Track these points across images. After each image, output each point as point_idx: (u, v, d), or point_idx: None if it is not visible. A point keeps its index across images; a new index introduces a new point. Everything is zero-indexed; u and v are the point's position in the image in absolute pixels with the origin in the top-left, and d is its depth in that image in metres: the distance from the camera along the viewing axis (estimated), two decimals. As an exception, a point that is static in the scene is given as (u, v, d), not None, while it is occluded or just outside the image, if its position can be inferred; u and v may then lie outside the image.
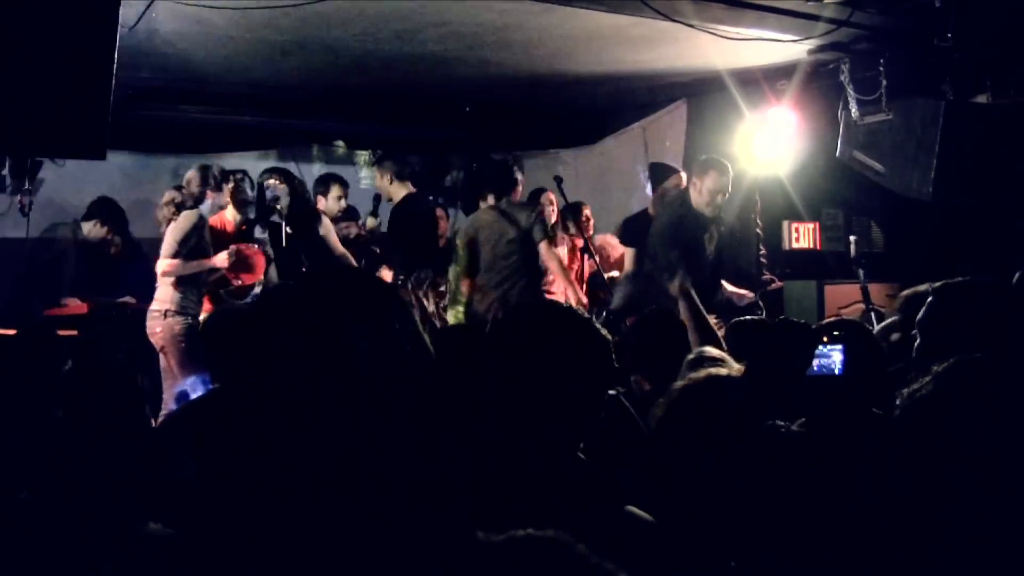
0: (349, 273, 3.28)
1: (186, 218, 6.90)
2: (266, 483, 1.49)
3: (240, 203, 7.33)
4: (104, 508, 2.39)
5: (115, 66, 5.23)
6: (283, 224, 7.21)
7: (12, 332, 5.46)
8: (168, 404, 6.47)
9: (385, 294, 1.51)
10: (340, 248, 7.64)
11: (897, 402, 1.38)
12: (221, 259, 6.91)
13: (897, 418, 1.36)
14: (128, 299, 7.73)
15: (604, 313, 7.39)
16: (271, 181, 7.45)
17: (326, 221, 7.62)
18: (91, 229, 7.91)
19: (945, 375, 1.36)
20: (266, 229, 7.41)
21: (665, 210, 7.23)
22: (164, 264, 6.77)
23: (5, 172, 7.80)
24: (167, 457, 2.88)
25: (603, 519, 1.87)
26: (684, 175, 7.68)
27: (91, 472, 2.63)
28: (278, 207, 7.29)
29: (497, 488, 1.87)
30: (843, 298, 7.79)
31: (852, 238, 7.68)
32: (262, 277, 7.29)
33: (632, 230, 7.87)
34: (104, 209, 7.95)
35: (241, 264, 7.05)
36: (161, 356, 6.77)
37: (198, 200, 7.01)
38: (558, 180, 8.20)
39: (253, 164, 8.85)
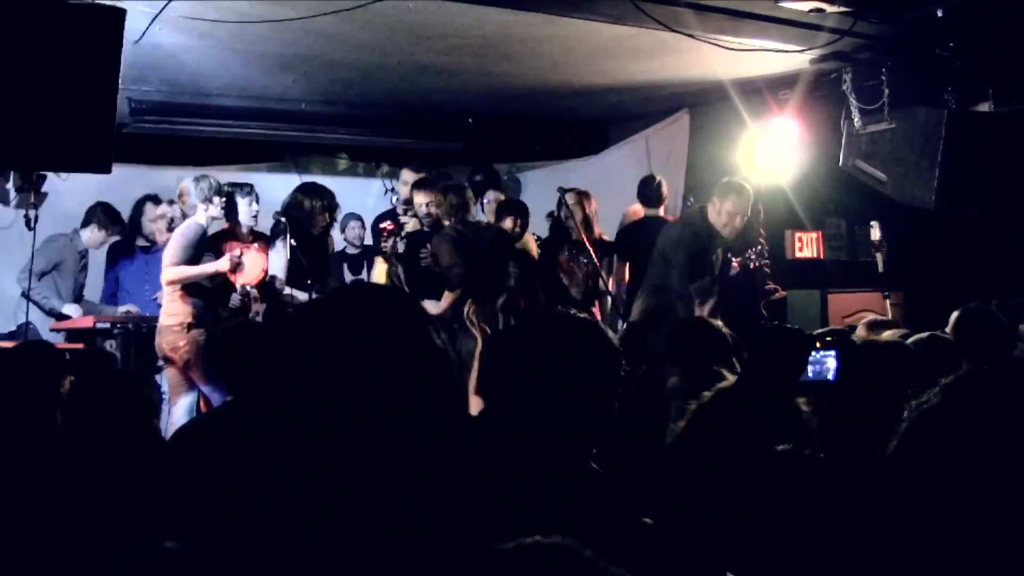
0: (370, 288, 3.30)
1: (190, 227, 6.89)
2: (280, 496, 1.50)
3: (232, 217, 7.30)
4: (115, 522, 2.40)
5: (120, 80, 5.26)
6: (288, 237, 7.23)
7: (11, 344, 5.48)
8: (176, 417, 6.47)
9: (408, 309, 1.51)
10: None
11: (905, 413, 1.39)
12: (223, 263, 6.88)
13: (904, 430, 1.36)
14: (131, 308, 7.74)
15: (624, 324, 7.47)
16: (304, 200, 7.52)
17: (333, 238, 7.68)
18: (90, 235, 7.91)
19: (953, 386, 1.37)
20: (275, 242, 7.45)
21: (682, 221, 7.37)
22: (170, 272, 6.74)
23: (10, 186, 7.85)
24: (180, 469, 2.89)
25: (613, 527, 1.88)
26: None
27: (100, 485, 2.63)
28: (283, 220, 7.33)
29: (507, 497, 1.87)
30: (847, 307, 7.80)
31: (879, 254, 7.73)
32: (265, 273, 7.27)
33: (625, 242, 8.24)
34: (101, 213, 7.96)
35: (239, 263, 7.01)
36: (170, 370, 6.75)
37: (190, 213, 7.01)
38: (561, 192, 8.24)
39: (257, 176, 8.88)
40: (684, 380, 4.27)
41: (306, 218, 7.63)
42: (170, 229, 7.20)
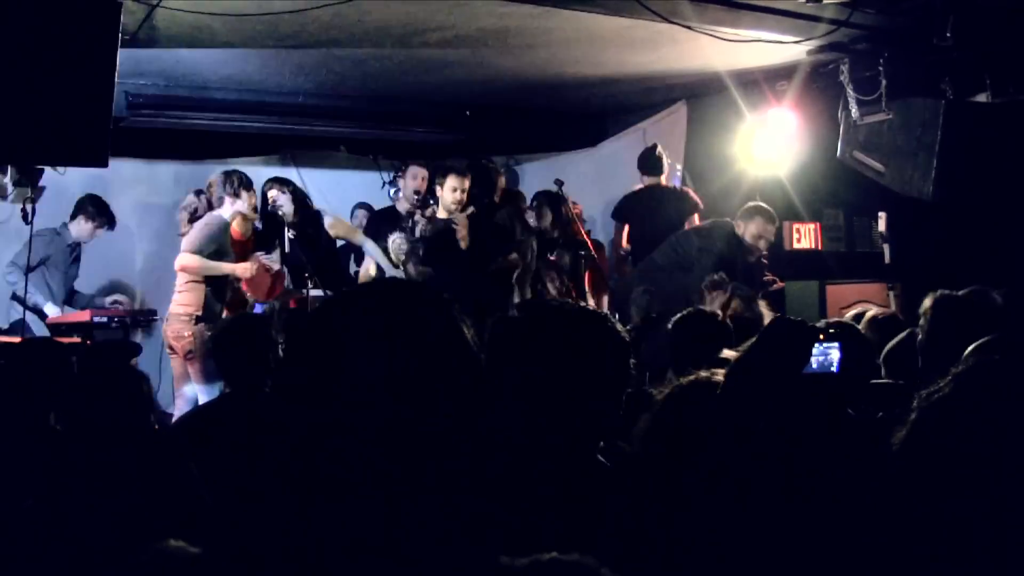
0: (376, 283, 3.28)
1: (214, 219, 6.88)
2: (278, 490, 1.48)
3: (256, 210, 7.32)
4: (112, 518, 2.39)
5: (116, 74, 5.25)
6: (286, 230, 7.23)
7: (15, 340, 5.47)
8: (180, 407, 6.47)
9: (423, 300, 1.48)
10: (371, 245, 7.59)
11: (914, 403, 1.38)
12: (245, 268, 6.86)
13: (914, 420, 1.36)
14: (120, 297, 7.71)
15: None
16: (273, 191, 7.48)
17: (334, 222, 7.63)
18: (79, 228, 7.87)
19: (964, 376, 1.37)
20: (273, 238, 7.43)
21: (717, 235, 7.47)
22: (186, 258, 6.70)
23: (7, 180, 7.81)
24: (176, 460, 2.89)
25: (620, 522, 1.87)
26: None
27: (98, 480, 2.62)
28: (281, 215, 7.32)
29: (513, 491, 1.86)
30: (844, 298, 7.80)
31: (886, 246, 7.79)
32: (271, 298, 7.26)
33: (628, 206, 8.34)
34: (89, 205, 7.92)
35: (261, 279, 7.03)
36: (176, 359, 6.74)
37: (217, 206, 7.01)
38: (559, 183, 8.24)
39: (253, 170, 8.87)
40: (674, 371, 4.25)
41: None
42: (192, 220, 7.17)
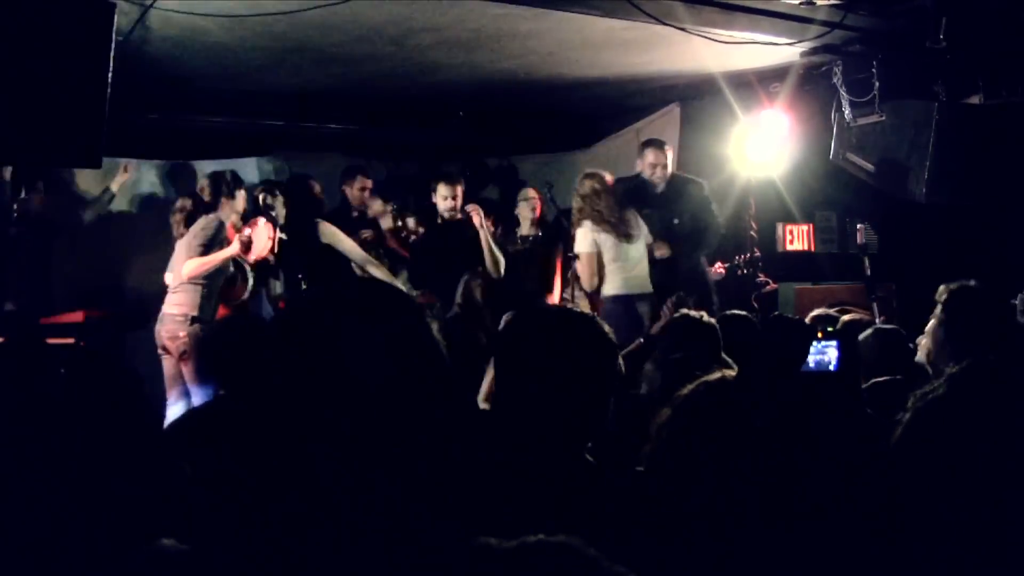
0: (357, 282, 3.28)
1: (208, 221, 6.84)
2: (270, 489, 1.49)
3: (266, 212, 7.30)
4: (111, 520, 2.39)
5: (110, 74, 5.24)
6: (277, 231, 7.20)
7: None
8: (173, 409, 6.44)
9: (396, 301, 1.50)
10: (358, 252, 7.58)
11: (909, 403, 1.39)
12: (234, 246, 6.81)
13: (909, 420, 1.37)
14: None
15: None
16: (263, 195, 7.46)
17: (326, 228, 7.57)
18: (32, 205, 7.77)
19: (960, 376, 1.37)
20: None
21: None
22: (191, 264, 6.66)
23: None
24: (171, 463, 2.88)
25: (608, 520, 1.88)
26: None
27: (96, 483, 2.62)
28: (272, 216, 7.30)
29: (503, 490, 1.87)
30: (816, 301, 7.82)
31: (865, 258, 7.86)
32: (274, 241, 7.17)
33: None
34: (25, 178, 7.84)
35: (249, 241, 6.97)
36: (168, 360, 6.70)
37: (213, 208, 6.97)
38: (548, 186, 8.23)
39: (248, 170, 8.86)
40: (657, 371, 4.25)
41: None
42: (187, 223, 7.11)
